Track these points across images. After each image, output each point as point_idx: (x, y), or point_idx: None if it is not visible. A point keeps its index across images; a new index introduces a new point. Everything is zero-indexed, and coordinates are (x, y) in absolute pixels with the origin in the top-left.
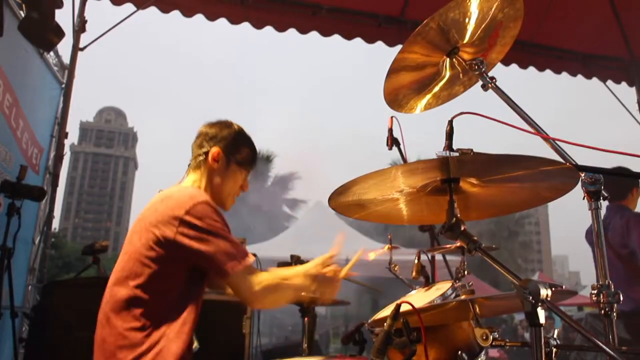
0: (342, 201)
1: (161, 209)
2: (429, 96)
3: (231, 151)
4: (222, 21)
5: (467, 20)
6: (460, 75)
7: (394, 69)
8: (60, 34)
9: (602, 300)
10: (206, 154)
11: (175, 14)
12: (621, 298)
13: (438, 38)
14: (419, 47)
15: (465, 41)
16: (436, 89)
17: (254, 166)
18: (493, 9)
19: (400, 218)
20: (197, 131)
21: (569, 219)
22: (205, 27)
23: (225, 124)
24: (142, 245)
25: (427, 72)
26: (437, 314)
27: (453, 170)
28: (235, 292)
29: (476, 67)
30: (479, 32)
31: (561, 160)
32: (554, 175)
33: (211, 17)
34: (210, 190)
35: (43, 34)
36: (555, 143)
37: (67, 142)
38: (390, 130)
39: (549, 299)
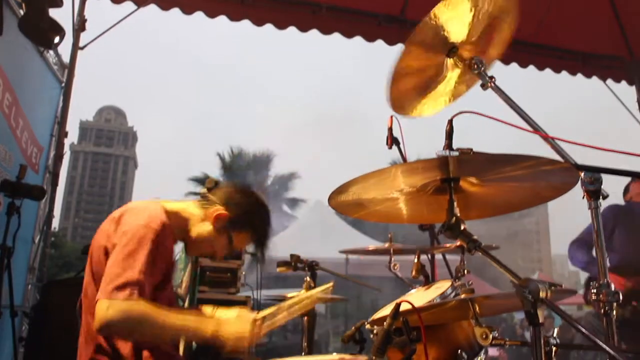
0: (342, 200)
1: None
2: (434, 98)
3: (234, 225)
4: (222, 19)
5: (462, 18)
6: (462, 73)
7: (396, 76)
8: (58, 30)
9: (601, 300)
10: (212, 208)
11: (175, 11)
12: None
13: (434, 39)
14: (417, 50)
15: (463, 40)
16: (441, 89)
17: (242, 247)
18: (486, 4)
19: (400, 217)
20: (225, 183)
21: (569, 218)
22: (205, 25)
23: (249, 196)
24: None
25: (429, 74)
26: (436, 313)
27: (453, 169)
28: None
29: (475, 66)
30: (476, 28)
31: (560, 159)
32: (554, 174)
33: (211, 14)
34: (189, 230)
35: (41, 31)
36: (555, 142)
37: (67, 142)
38: (390, 130)
39: (548, 298)
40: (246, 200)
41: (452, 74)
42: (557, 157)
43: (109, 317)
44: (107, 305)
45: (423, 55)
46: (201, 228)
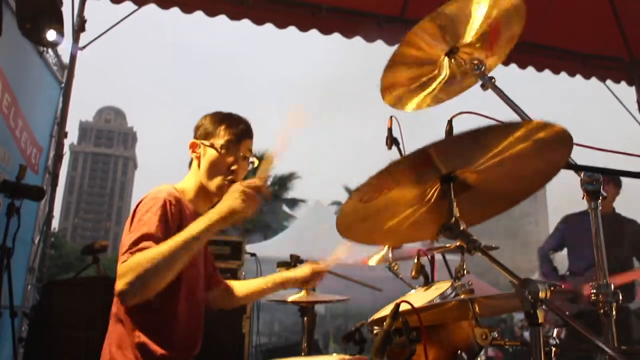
0: (351, 230)
1: None
2: (425, 95)
3: (206, 136)
4: (222, 18)
5: (467, 20)
6: (458, 76)
7: (393, 63)
8: (58, 27)
9: (601, 300)
10: (190, 150)
11: (175, 11)
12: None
13: (438, 35)
14: (420, 42)
15: (465, 41)
16: (434, 88)
17: (237, 137)
18: (495, 10)
19: (421, 234)
20: None
21: None
22: (206, 25)
23: (203, 116)
24: None
25: (425, 69)
26: (436, 313)
27: (439, 162)
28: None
29: (475, 66)
30: (479, 33)
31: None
32: (548, 144)
33: (211, 13)
34: (196, 180)
35: (40, 30)
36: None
37: (67, 142)
38: (390, 130)
39: (548, 298)
40: (200, 121)
41: (448, 74)
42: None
43: (120, 285)
44: (119, 272)
45: (423, 48)
46: (199, 173)
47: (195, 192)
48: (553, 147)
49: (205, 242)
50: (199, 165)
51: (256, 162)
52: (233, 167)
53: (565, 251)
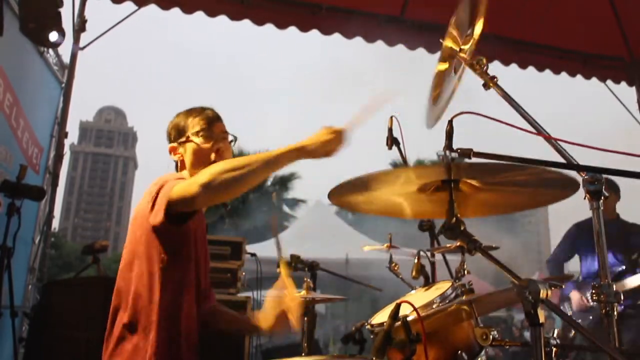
0: (342, 198)
1: None
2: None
3: (180, 135)
4: (223, 18)
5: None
6: (453, 72)
7: (432, 89)
8: (58, 29)
9: (602, 300)
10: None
11: (176, 11)
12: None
13: (451, 49)
14: (442, 63)
15: (460, 39)
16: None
17: (208, 123)
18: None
19: (402, 212)
20: None
21: (569, 218)
22: (206, 25)
23: (171, 121)
24: None
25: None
26: (437, 320)
27: (454, 172)
28: (180, 199)
29: (477, 65)
30: (462, 22)
31: (562, 159)
32: (556, 182)
33: (211, 14)
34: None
35: (40, 30)
36: (557, 143)
37: (67, 142)
38: (390, 130)
39: (548, 298)
40: (168, 127)
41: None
42: (559, 158)
43: (203, 177)
44: (196, 177)
45: (445, 65)
46: (188, 170)
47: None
48: (560, 185)
49: (283, 165)
50: (184, 165)
51: (234, 139)
52: (218, 147)
53: (571, 258)
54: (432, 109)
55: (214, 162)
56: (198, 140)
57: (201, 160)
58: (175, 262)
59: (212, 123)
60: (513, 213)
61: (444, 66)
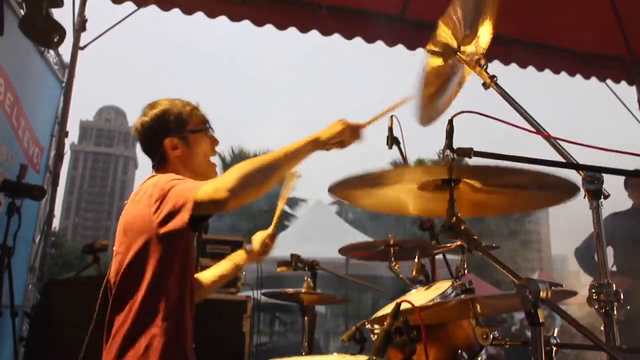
0: (344, 192)
1: None
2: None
3: (179, 128)
4: (223, 18)
5: (457, 18)
6: (453, 76)
7: (423, 86)
8: (59, 30)
9: (602, 299)
10: (163, 149)
11: (175, 12)
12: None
13: (445, 45)
14: (435, 57)
15: (461, 38)
16: (440, 93)
17: (205, 120)
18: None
19: (404, 209)
20: (134, 132)
21: (569, 218)
22: (207, 25)
23: (152, 109)
24: None
25: (443, 79)
26: (437, 312)
27: (455, 173)
28: (209, 202)
29: (478, 64)
30: (466, 22)
31: (562, 159)
32: (556, 185)
33: (211, 14)
34: (185, 174)
35: (41, 31)
36: (557, 142)
37: (67, 141)
38: (390, 129)
39: (549, 298)
40: (155, 115)
41: (451, 74)
42: (559, 157)
43: (228, 186)
44: (210, 188)
45: (440, 61)
46: (186, 162)
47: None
48: (558, 190)
49: (303, 158)
50: (181, 160)
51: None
52: (216, 144)
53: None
54: (426, 107)
55: (213, 153)
56: (200, 139)
57: (200, 163)
58: (180, 265)
59: (198, 112)
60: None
61: (436, 62)
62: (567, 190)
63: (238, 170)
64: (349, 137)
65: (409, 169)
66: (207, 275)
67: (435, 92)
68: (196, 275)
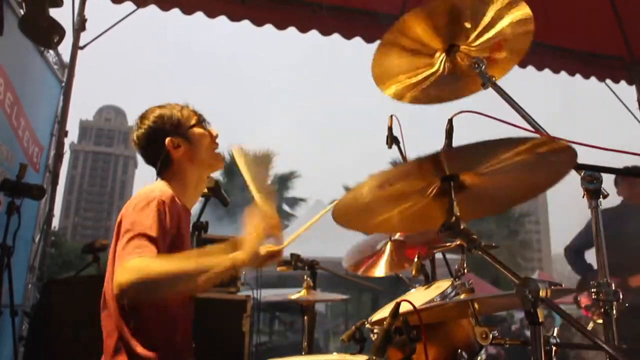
0: (348, 216)
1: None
2: (418, 90)
3: (177, 128)
4: (223, 18)
5: (475, 20)
6: (459, 76)
7: (388, 42)
8: (58, 30)
9: (601, 299)
10: (165, 150)
11: (175, 12)
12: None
13: (443, 25)
14: (421, 25)
15: (467, 41)
16: (427, 84)
17: (199, 114)
18: (504, 23)
19: (408, 227)
20: (134, 146)
21: (569, 217)
22: (207, 24)
23: (145, 119)
24: None
25: (420, 62)
26: (437, 312)
27: (448, 166)
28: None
29: (476, 65)
30: (483, 39)
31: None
32: (550, 157)
33: (211, 14)
34: (193, 169)
35: (41, 30)
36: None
37: (67, 141)
38: (390, 129)
39: (548, 297)
40: (152, 120)
41: (442, 73)
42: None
43: (124, 279)
44: (121, 269)
45: (423, 36)
46: (191, 158)
47: (185, 187)
48: (556, 160)
49: (216, 278)
50: (185, 158)
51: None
52: (215, 135)
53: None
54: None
55: (215, 147)
56: (199, 134)
57: (206, 157)
58: None
59: (196, 112)
60: (513, 212)
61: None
62: (562, 158)
63: (141, 272)
64: (264, 262)
65: (407, 169)
66: None
67: (401, 64)
68: None
